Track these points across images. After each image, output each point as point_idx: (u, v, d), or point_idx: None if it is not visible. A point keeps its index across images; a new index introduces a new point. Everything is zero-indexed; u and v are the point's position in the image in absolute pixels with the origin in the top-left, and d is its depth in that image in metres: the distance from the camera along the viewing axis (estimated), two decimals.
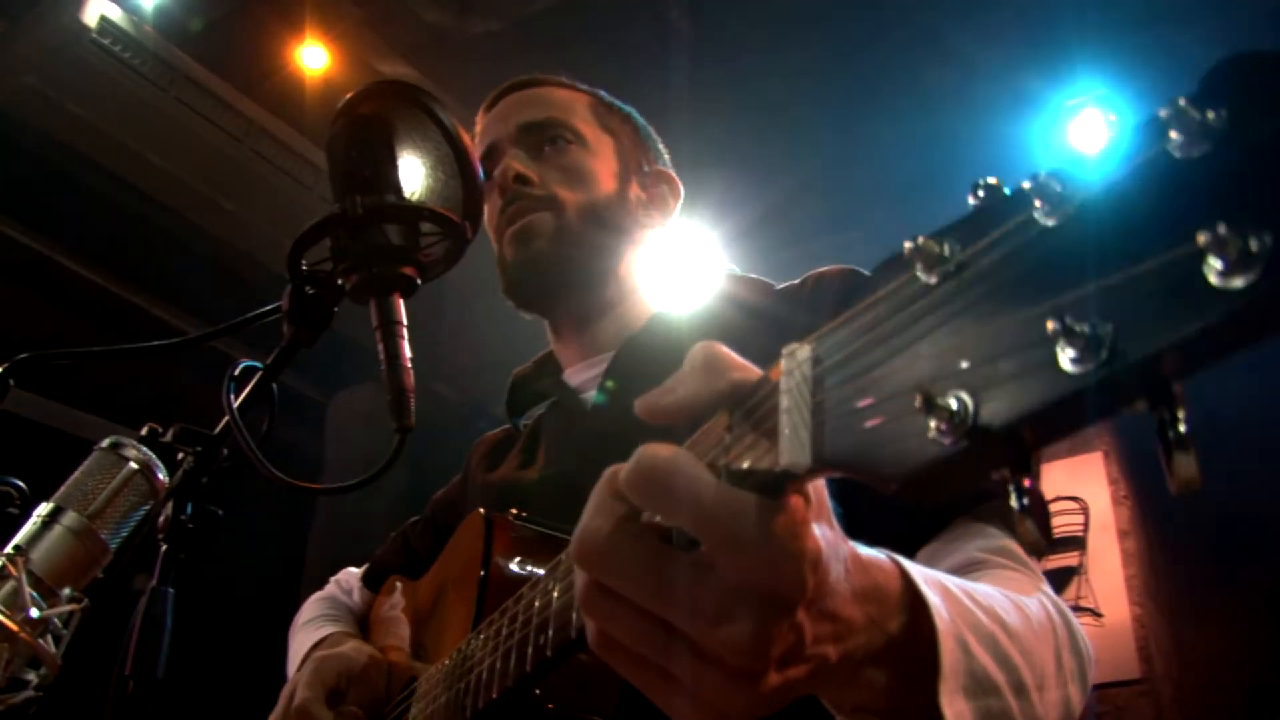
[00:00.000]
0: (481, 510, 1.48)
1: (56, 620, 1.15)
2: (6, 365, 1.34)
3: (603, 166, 1.77)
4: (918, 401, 0.53)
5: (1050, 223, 0.51)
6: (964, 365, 0.52)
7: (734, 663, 0.65)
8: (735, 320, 1.62)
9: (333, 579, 2.12)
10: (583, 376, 1.77)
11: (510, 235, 1.72)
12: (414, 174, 1.29)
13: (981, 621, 0.84)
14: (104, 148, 5.44)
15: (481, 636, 1.24)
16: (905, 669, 0.75)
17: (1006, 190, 0.54)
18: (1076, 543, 5.68)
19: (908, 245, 0.57)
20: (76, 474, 1.26)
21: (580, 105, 1.84)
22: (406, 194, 1.27)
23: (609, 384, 1.68)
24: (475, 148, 1.35)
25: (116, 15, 5.08)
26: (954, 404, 0.51)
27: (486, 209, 1.80)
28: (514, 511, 1.49)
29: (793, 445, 0.61)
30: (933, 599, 0.76)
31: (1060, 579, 5.42)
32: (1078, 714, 1.00)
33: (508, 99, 1.85)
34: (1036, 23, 4.90)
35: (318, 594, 2.07)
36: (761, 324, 1.59)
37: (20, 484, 1.30)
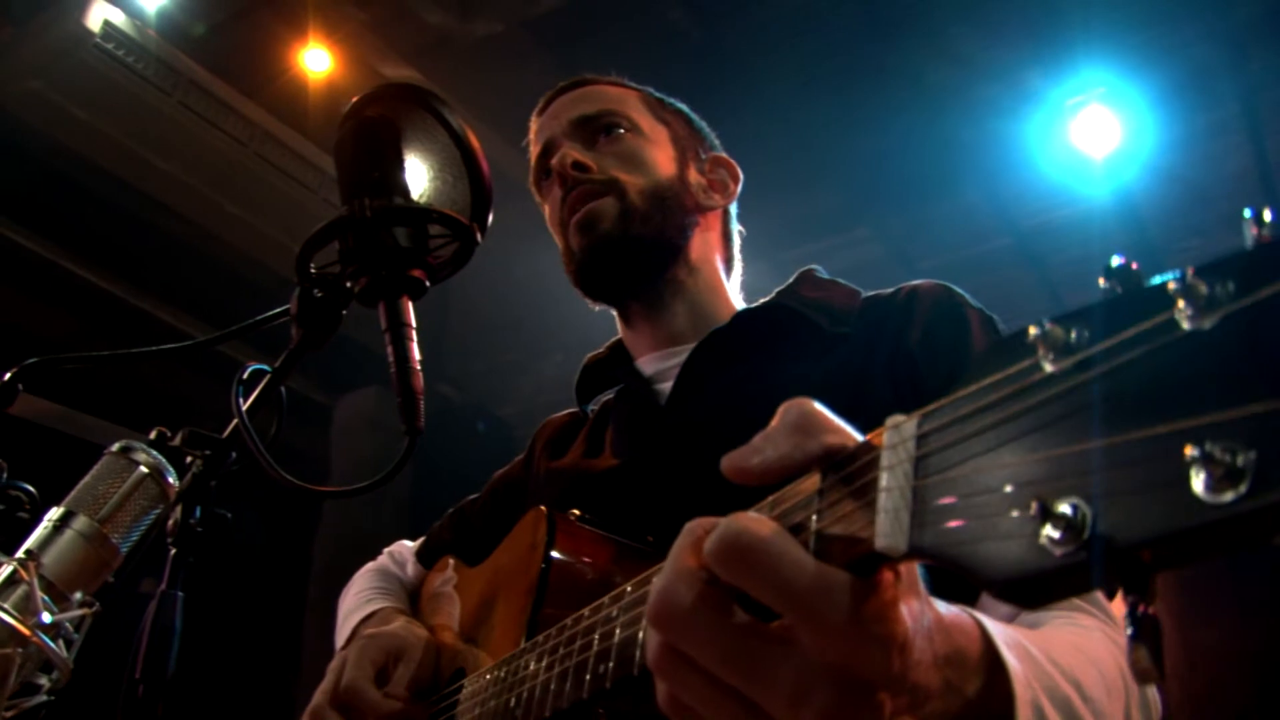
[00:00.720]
0: (543, 508, 1.47)
1: (68, 624, 1.15)
2: (15, 370, 1.35)
3: (660, 152, 1.77)
4: (1033, 507, 0.50)
5: (1193, 327, 0.46)
6: (1085, 470, 0.49)
7: None
8: (823, 323, 1.60)
9: (385, 550, 2.10)
10: (658, 366, 1.75)
11: (575, 224, 1.71)
12: (421, 176, 1.29)
13: (1058, 685, 0.83)
14: (108, 152, 5.45)
15: (536, 651, 1.23)
16: None
17: (1146, 281, 0.50)
18: None
19: (1033, 330, 0.54)
20: (87, 478, 1.27)
21: (631, 98, 1.84)
22: (414, 196, 1.27)
23: (685, 379, 1.65)
24: (484, 153, 1.34)
25: (120, 20, 5.09)
26: (1070, 511, 0.48)
27: (547, 205, 1.81)
28: (575, 512, 1.48)
29: (891, 527, 0.59)
30: (1011, 662, 0.75)
31: None
32: None
33: (559, 100, 1.86)
34: (1038, 21, 4.90)
35: (370, 565, 2.05)
36: (849, 326, 1.58)
37: (30, 488, 1.30)
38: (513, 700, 1.26)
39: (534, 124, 1.89)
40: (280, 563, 6.72)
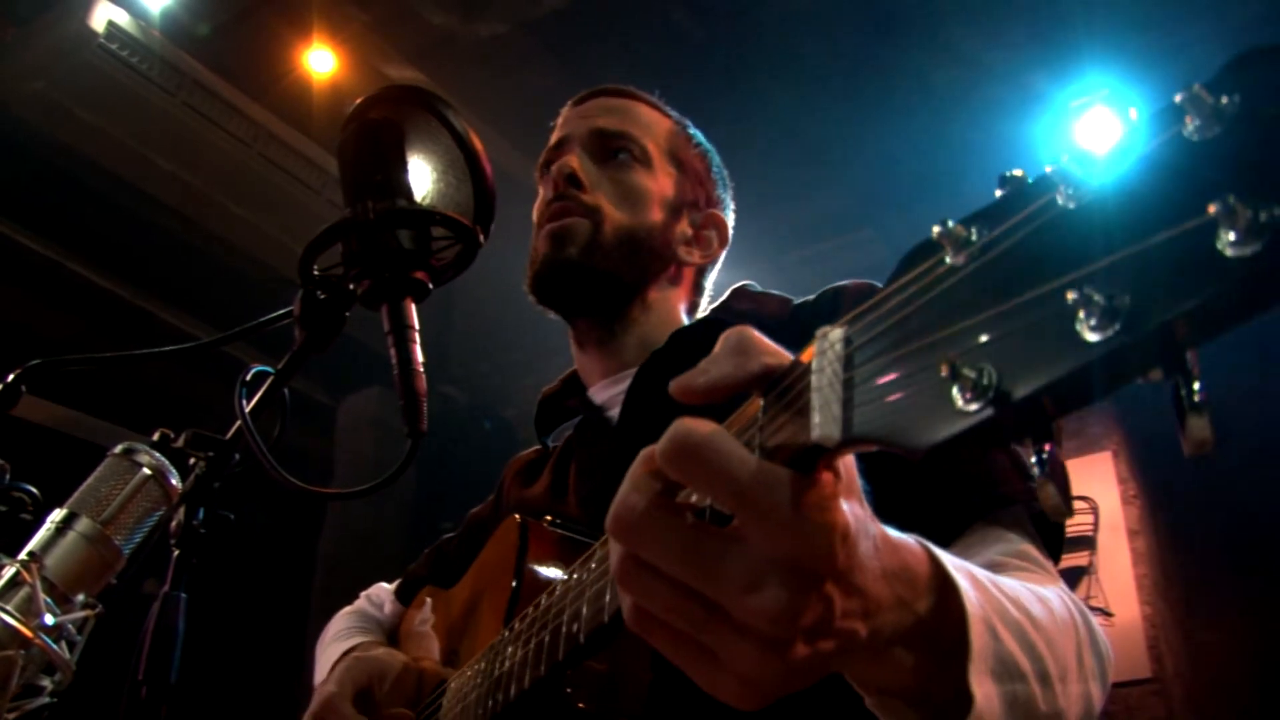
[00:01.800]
0: (517, 515, 1.48)
1: (71, 626, 1.16)
2: (18, 371, 1.35)
3: (656, 193, 1.77)
4: (944, 371, 0.55)
5: (1071, 205, 0.53)
6: (989, 338, 0.54)
7: (764, 631, 0.67)
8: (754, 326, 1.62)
9: (363, 594, 2.12)
10: (607, 393, 1.77)
11: (546, 232, 1.72)
12: (425, 178, 1.29)
13: (1008, 609, 0.85)
14: (112, 153, 5.46)
15: (514, 634, 1.25)
16: (933, 650, 0.76)
17: (1030, 179, 0.57)
18: (1086, 542, 5.67)
19: (936, 229, 0.60)
20: (90, 480, 1.27)
21: (660, 129, 1.84)
22: (418, 198, 1.27)
23: (631, 401, 1.67)
24: (485, 152, 1.35)
25: (124, 20, 5.10)
26: (978, 374, 0.53)
27: (537, 202, 1.81)
28: (549, 518, 1.49)
29: (825, 420, 0.64)
30: (962, 583, 0.77)
31: (1070, 578, 5.40)
32: (1097, 713, 1.01)
33: (596, 100, 1.87)
34: (1043, 23, 4.90)
35: (347, 608, 2.07)
36: (781, 336, 1.58)
37: (33, 490, 1.30)
38: (494, 681, 1.27)
39: (565, 111, 1.89)
40: (284, 563, 6.72)
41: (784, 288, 1.76)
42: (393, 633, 1.96)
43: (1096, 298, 0.48)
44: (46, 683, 1.15)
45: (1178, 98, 0.48)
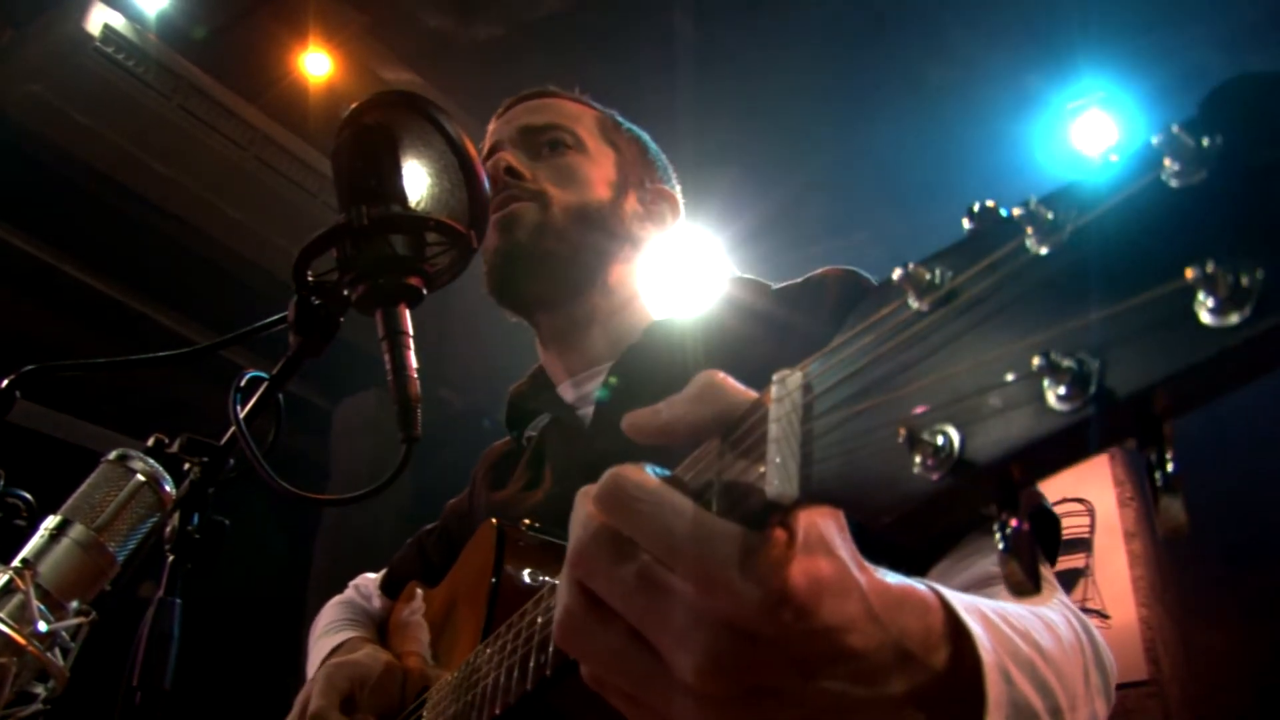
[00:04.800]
0: (494, 520, 1.48)
1: (64, 633, 1.15)
2: (13, 377, 1.34)
3: (598, 173, 1.76)
4: (901, 435, 0.52)
5: (1042, 251, 0.49)
6: (950, 398, 0.51)
7: (696, 686, 0.64)
8: (734, 325, 1.61)
9: (351, 584, 2.11)
10: (578, 391, 1.75)
11: (494, 222, 1.69)
12: (419, 183, 1.29)
13: (1020, 649, 0.83)
14: (108, 156, 5.45)
15: (488, 650, 1.25)
16: (949, 703, 0.73)
17: (1003, 213, 0.53)
18: (1083, 544, 5.67)
19: (898, 272, 0.57)
20: (84, 486, 1.27)
21: (587, 118, 1.84)
22: (412, 204, 1.27)
23: (604, 396, 1.66)
24: (480, 160, 1.35)
25: (120, 23, 5.09)
26: (939, 440, 0.50)
27: None
28: (526, 522, 1.49)
29: (780, 476, 0.61)
30: (975, 629, 0.74)
31: (1067, 581, 5.41)
32: None
33: (518, 106, 1.86)
34: (1039, 25, 4.90)
35: (337, 598, 2.07)
36: (760, 327, 1.58)
37: (27, 496, 1.30)
38: (469, 700, 1.28)
39: (491, 125, 1.88)
40: (280, 567, 6.71)
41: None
42: (381, 625, 1.95)
43: (1065, 363, 0.45)
44: (40, 690, 1.15)
45: (1155, 138, 0.45)
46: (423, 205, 1.28)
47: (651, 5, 5.13)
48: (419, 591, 1.82)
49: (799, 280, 1.63)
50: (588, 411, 1.70)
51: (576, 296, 1.73)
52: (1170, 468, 0.45)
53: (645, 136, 1.92)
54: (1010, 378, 0.48)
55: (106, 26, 5.04)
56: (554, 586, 1.02)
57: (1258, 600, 5.40)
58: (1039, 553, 0.52)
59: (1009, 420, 0.48)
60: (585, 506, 0.71)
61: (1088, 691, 0.96)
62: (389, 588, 2.01)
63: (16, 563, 1.18)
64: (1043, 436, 0.47)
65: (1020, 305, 0.50)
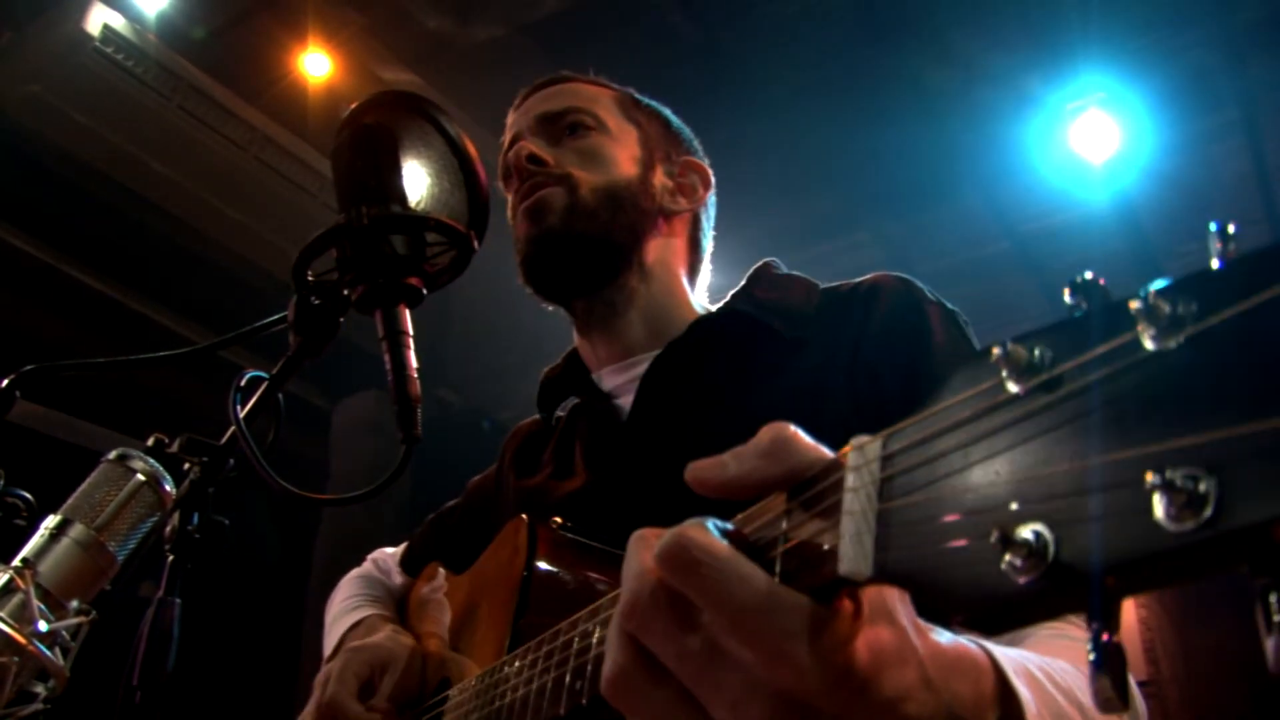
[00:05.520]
0: (525, 516, 1.45)
1: (64, 633, 1.15)
2: (13, 377, 1.34)
3: (623, 151, 1.73)
4: (994, 535, 0.49)
5: (1157, 348, 0.45)
6: (1047, 495, 0.48)
7: None
8: (782, 327, 1.57)
9: (369, 558, 2.08)
10: (616, 380, 1.72)
11: (522, 212, 1.68)
12: (419, 183, 1.29)
13: (1064, 710, 0.83)
14: (107, 156, 5.45)
15: (518, 663, 1.22)
16: None
17: (1111, 301, 0.49)
18: None
19: (995, 351, 0.53)
20: (84, 486, 1.26)
21: (605, 97, 1.81)
22: (412, 204, 1.27)
23: (645, 395, 1.62)
24: (480, 160, 1.34)
25: (119, 24, 5.09)
26: (1032, 538, 0.48)
27: (509, 199, 1.78)
28: (557, 520, 1.47)
29: (854, 552, 0.58)
30: (1024, 693, 0.74)
31: None
32: None
33: (533, 96, 1.84)
34: (1038, 26, 4.90)
35: (355, 571, 2.03)
36: (809, 329, 1.56)
37: (27, 496, 1.30)
38: (493, 711, 1.26)
39: (509, 118, 1.86)
40: (280, 566, 6.71)
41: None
42: (401, 601, 1.92)
43: (1179, 480, 0.42)
44: (40, 689, 1.15)
45: None
46: (422, 205, 1.28)
47: (651, 6, 5.13)
48: (440, 570, 1.79)
49: (850, 282, 1.60)
50: (625, 402, 1.66)
51: (613, 279, 1.69)
52: None
53: (666, 111, 1.88)
54: (1115, 483, 0.45)
55: (106, 27, 5.04)
56: (592, 611, 1.00)
57: (1256, 601, 5.40)
58: (1126, 671, 0.49)
59: (1111, 528, 0.45)
60: (642, 558, 0.69)
61: None
62: (409, 564, 1.98)
63: (17, 562, 1.18)
64: (1148, 554, 0.44)
65: (1128, 407, 0.46)
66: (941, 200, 5.82)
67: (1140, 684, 5.27)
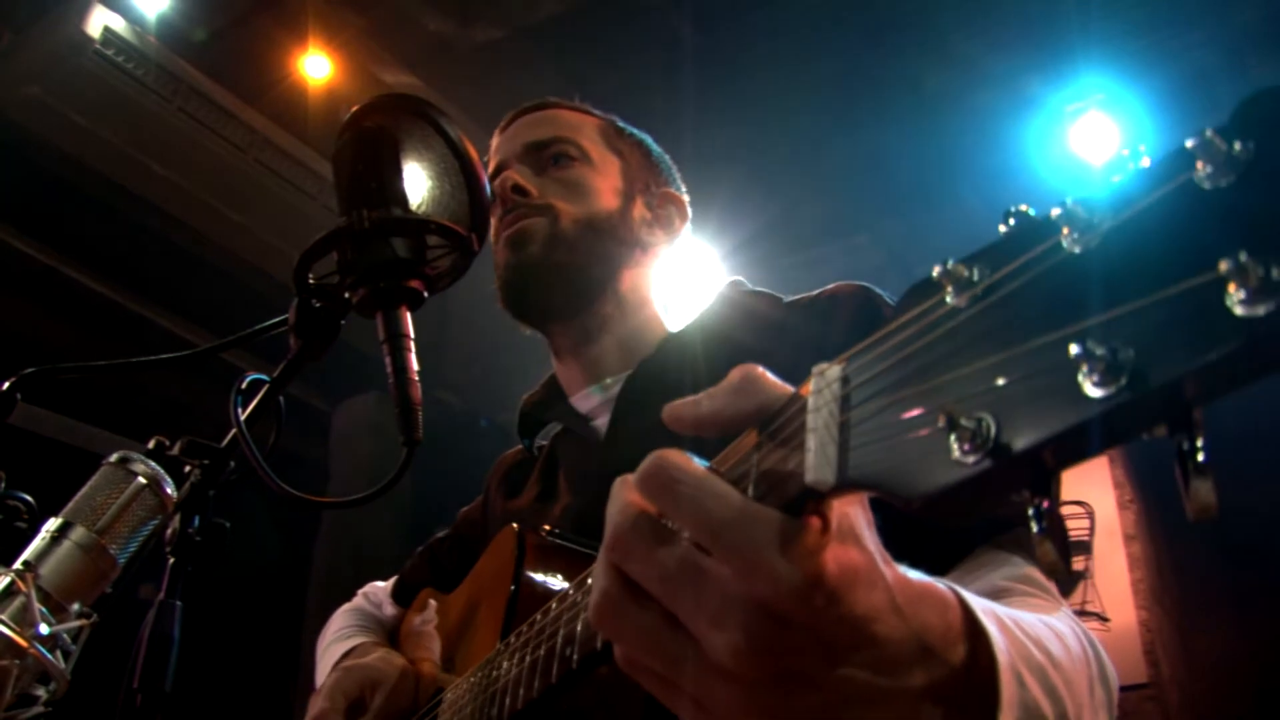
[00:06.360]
0: (515, 525, 1.47)
1: (65, 636, 1.15)
2: (13, 380, 1.34)
3: (605, 183, 1.77)
4: (941, 421, 0.54)
5: (1077, 249, 0.51)
6: (987, 387, 0.53)
7: (730, 669, 0.66)
8: (747, 339, 1.62)
9: (360, 592, 2.11)
10: (591, 403, 1.76)
11: (504, 240, 1.72)
12: (420, 186, 1.29)
13: (1033, 654, 0.85)
14: (108, 158, 5.45)
15: (509, 649, 1.24)
16: (964, 700, 0.75)
17: (1037, 214, 0.55)
18: (1082, 547, 5.67)
19: (937, 269, 0.58)
20: (85, 489, 1.26)
21: (589, 127, 1.84)
22: (413, 206, 1.27)
23: (620, 413, 1.65)
24: (481, 162, 1.35)
25: (120, 26, 5.09)
26: (976, 425, 0.52)
27: (492, 224, 1.80)
28: (546, 528, 1.49)
29: (819, 462, 0.62)
30: (991, 629, 0.76)
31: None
32: None
33: (519, 121, 1.86)
34: (1038, 27, 4.91)
35: (346, 606, 2.06)
36: (774, 340, 1.58)
37: (28, 499, 1.30)
38: (487, 698, 1.27)
39: (494, 141, 1.88)
40: (280, 569, 6.71)
41: (779, 292, 1.75)
42: (393, 633, 1.94)
43: (1100, 351, 0.47)
44: (41, 692, 1.15)
45: (1189, 142, 0.47)
46: (423, 208, 1.28)
47: (651, 8, 5.13)
48: (431, 602, 1.82)
49: (811, 294, 1.63)
50: (602, 423, 1.70)
51: (589, 306, 1.73)
52: (1201, 454, 0.47)
53: (648, 140, 1.92)
54: (1045, 366, 0.50)
55: (106, 29, 5.04)
56: (579, 585, 1.04)
57: (1256, 602, 5.40)
58: (1067, 538, 0.54)
59: (1045, 407, 0.50)
60: (625, 493, 0.72)
61: (1092, 703, 0.97)
62: (400, 596, 2.00)
63: (18, 565, 1.18)
64: (1078, 423, 0.48)
65: (1056, 300, 0.52)
66: (941, 202, 5.82)
67: (1140, 685, 5.27)
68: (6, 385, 1.34)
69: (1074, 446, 0.50)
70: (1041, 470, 0.52)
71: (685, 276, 1.90)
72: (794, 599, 0.64)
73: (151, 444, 1.33)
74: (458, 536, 2.01)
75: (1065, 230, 0.52)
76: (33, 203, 5.62)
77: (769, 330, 1.62)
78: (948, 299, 0.58)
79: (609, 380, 1.74)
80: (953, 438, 0.53)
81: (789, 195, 5.73)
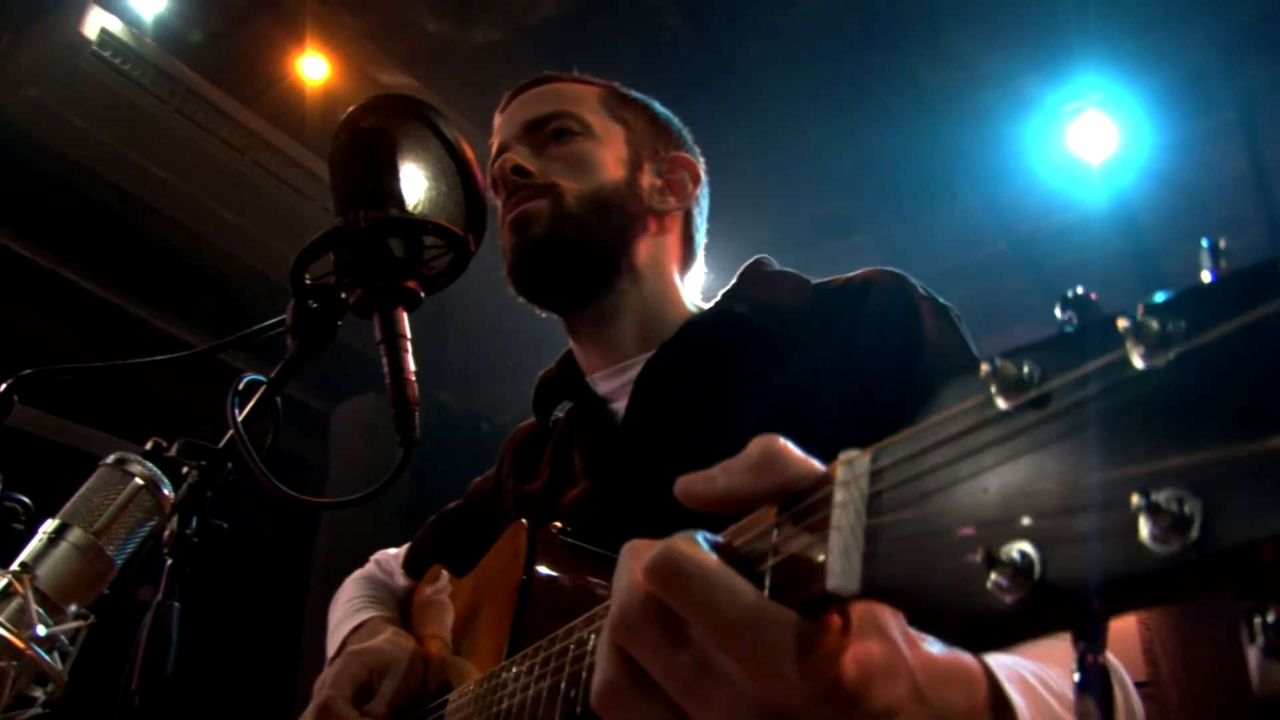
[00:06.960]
0: (524, 521, 1.45)
1: (63, 637, 1.15)
2: (10, 381, 1.34)
3: (609, 154, 1.72)
4: (979, 553, 0.49)
5: (1146, 366, 0.45)
6: (1034, 514, 0.48)
7: None
8: (772, 325, 1.57)
9: (372, 558, 2.07)
10: (610, 385, 1.72)
11: (508, 224, 1.68)
12: (416, 187, 1.29)
13: (1059, 715, 0.83)
14: (105, 160, 5.45)
15: (515, 669, 1.22)
16: None
17: (1102, 316, 0.49)
18: None
19: (985, 367, 0.52)
20: (82, 490, 1.26)
21: (590, 97, 1.79)
22: (409, 207, 1.27)
23: (639, 398, 1.62)
24: (477, 162, 1.35)
25: (117, 27, 5.08)
26: (1019, 558, 0.47)
27: (499, 206, 1.77)
28: (557, 525, 1.47)
29: (843, 568, 0.58)
30: (1017, 701, 0.74)
31: None
32: None
33: (518, 99, 1.82)
34: (1036, 27, 4.90)
35: (358, 573, 2.03)
36: (800, 327, 1.55)
37: (25, 500, 1.30)
38: (491, 716, 1.26)
39: (496, 121, 1.84)
40: (278, 570, 6.71)
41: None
42: (404, 602, 1.92)
43: (1165, 503, 0.41)
44: (38, 694, 1.15)
45: None
46: (420, 208, 1.28)
47: (649, 9, 5.13)
48: (444, 573, 1.79)
49: (843, 278, 1.60)
50: (619, 406, 1.66)
51: (604, 284, 1.69)
52: (1272, 618, 0.41)
53: (654, 104, 1.87)
54: (1102, 503, 0.45)
55: (103, 30, 5.03)
56: (588, 619, 1.00)
57: None
58: (1112, 694, 0.49)
59: (1097, 549, 0.45)
60: (633, 568, 0.69)
61: None
62: (412, 566, 1.98)
63: (15, 566, 1.18)
64: (1135, 574, 0.43)
65: (1116, 425, 0.46)
66: (939, 202, 5.82)
67: (1139, 684, 5.26)
68: (4, 387, 1.34)
69: (1127, 598, 0.45)
70: (1087, 616, 0.46)
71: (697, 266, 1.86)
72: (810, 706, 0.61)
73: (149, 445, 1.33)
74: (470, 508, 1.98)
75: (1130, 343, 0.45)
76: (30, 204, 5.61)
77: (795, 317, 1.58)
78: (995, 400, 0.52)
79: (627, 363, 1.70)
80: (992, 573, 0.48)
81: (787, 195, 5.73)
